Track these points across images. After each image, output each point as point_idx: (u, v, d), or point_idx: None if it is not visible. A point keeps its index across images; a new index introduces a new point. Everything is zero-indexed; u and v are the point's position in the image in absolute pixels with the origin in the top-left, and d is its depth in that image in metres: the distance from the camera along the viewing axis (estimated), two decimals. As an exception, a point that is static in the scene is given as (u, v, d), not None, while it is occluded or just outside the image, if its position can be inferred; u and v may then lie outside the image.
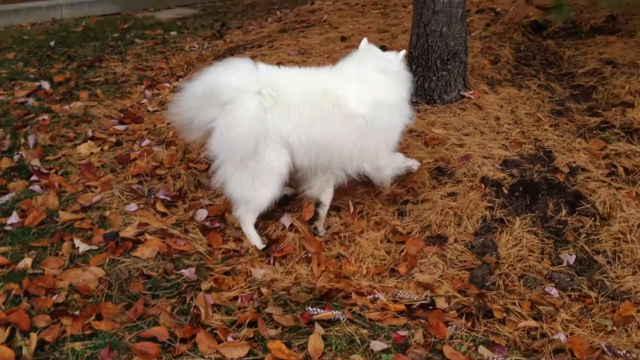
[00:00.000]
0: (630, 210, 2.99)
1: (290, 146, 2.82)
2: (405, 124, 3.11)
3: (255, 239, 2.92)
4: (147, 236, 2.90)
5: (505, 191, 3.23)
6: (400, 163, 3.22)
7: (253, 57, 5.35)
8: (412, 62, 4.09)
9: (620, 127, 3.71)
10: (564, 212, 3.07)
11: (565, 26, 5.38)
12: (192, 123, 2.83)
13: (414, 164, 3.33)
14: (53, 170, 3.60)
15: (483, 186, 3.24)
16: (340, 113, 2.82)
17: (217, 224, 3.04)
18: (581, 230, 2.94)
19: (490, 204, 3.14)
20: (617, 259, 2.78)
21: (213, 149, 2.82)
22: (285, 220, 3.06)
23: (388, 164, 3.11)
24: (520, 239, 2.89)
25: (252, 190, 2.84)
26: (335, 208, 3.19)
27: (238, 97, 2.73)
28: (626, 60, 4.55)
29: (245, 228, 2.95)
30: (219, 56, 5.75)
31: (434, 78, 4.04)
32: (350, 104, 2.82)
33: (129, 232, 2.91)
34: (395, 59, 3.10)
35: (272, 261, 2.81)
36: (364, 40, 3.21)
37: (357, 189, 3.33)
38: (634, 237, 2.85)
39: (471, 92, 4.16)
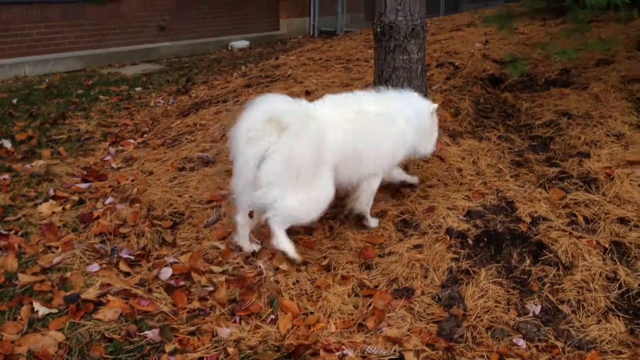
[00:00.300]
0: (591, 259, 3.05)
1: (335, 166, 3.11)
2: (411, 146, 3.49)
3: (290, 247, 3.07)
4: (110, 297, 2.82)
5: (470, 242, 3.27)
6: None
7: (218, 112, 5.43)
8: (375, 116, 4.16)
9: (578, 176, 3.81)
10: (527, 261, 3.11)
11: (522, 79, 5.58)
12: (247, 154, 2.91)
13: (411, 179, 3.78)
14: (13, 231, 3.51)
15: (448, 237, 3.28)
16: (374, 122, 3.28)
17: (182, 282, 2.98)
18: (545, 280, 2.98)
19: (455, 255, 3.16)
20: (581, 308, 2.81)
21: (268, 173, 2.92)
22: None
23: (379, 175, 3.42)
24: (487, 290, 2.91)
25: (305, 210, 3.07)
26: (302, 262, 3.17)
27: (303, 122, 2.96)
28: (581, 112, 4.72)
29: (281, 237, 3.04)
30: (185, 111, 5.78)
31: (397, 131, 4.11)
32: (372, 111, 3.29)
33: (91, 293, 2.83)
34: (427, 105, 3.55)
35: (238, 319, 2.76)
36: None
37: (323, 244, 3.33)
38: (597, 286, 2.89)
39: (433, 145, 4.24)
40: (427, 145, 3.59)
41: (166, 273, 3.03)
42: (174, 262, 3.14)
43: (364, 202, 3.42)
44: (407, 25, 3.90)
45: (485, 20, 6.24)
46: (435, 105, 3.54)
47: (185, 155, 4.51)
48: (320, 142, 2.99)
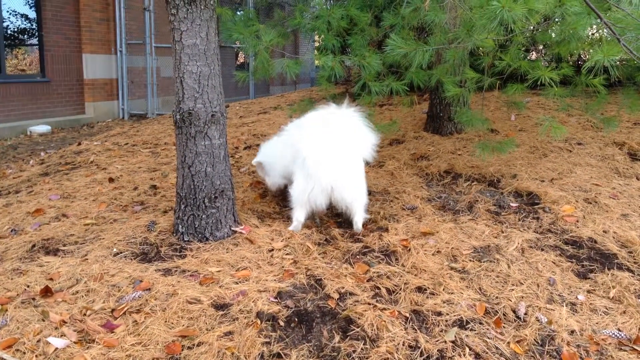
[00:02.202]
0: (395, 330, 3.17)
1: None
2: None
3: None
4: None
5: (282, 323, 3.24)
6: None
7: (8, 204, 4.95)
8: (181, 202, 4.08)
9: (379, 250, 4.02)
10: (337, 338, 3.15)
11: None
12: None
13: None
14: None
15: (259, 321, 3.22)
16: None
17: (-46, 406, 2.56)
18: (354, 355, 3.02)
19: (267, 339, 3.11)
20: (388, 380, 2.89)
21: None
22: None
23: None
24: (298, 373, 2.88)
25: None
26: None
27: None
28: (379, 188, 5.05)
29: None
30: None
31: (203, 216, 4.05)
32: None
33: None
34: None
35: None
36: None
37: (126, 341, 3.09)
38: (401, 356, 3.00)
39: (242, 227, 4.24)
40: None
41: None
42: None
43: None
44: (206, 112, 3.92)
45: (289, 105, 6.54)
46: None
47: (-36, 255, 4.00)
48: None
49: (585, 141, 6.53)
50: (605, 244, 4.18)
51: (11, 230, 4.39)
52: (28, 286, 3.48)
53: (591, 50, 4.37)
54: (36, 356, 2.87)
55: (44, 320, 3.13)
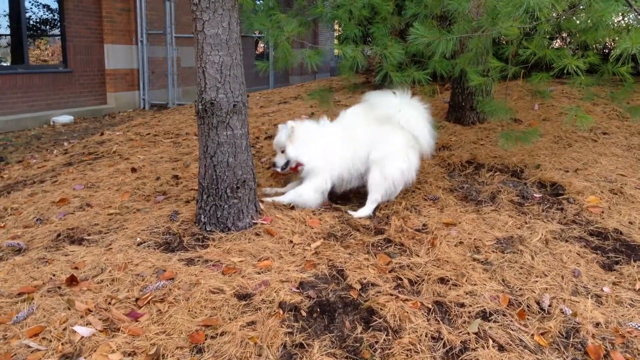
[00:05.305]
0: (417, 321, 3.16)
1: None
2: None
3: None
4: None
5: (304, 314, 3.25)
6: None
7: (33, 194, 5.01)
8: (203, 192, 4.09)
9: (400, 242, 4.00)
10: (359, 329, 3.14)
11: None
12: None
13: None
14: None
15: (281, 312, 3.23)
16: None
17: (-17, 393, 2.61)
18: (376, 346, 3.02)
19: (289, 329, 3.11)
20: (411, 371, 2.88)
21: None
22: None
23: None
24: (321, 363, 2.88)
25: None
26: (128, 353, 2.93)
27: None
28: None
29: None
30: (-6, 195, 5.27)
31: (225, 206, 4.06)
32: None
33: None
34: None
35: None
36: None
37: (150, 330, 3.11)
38: (423, 347, 2.99)
39: (264, 218, 4.25)
40: None
41: (-37, 384, 2.62)
42: None
43: None
44: (228, 102, 3.92)
45: (310, 94, 6.51)
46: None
47: (-8, 244, 4.06)
48: None
49: (611, 131, 6.43)
50: (631, 235, 4.11)
51: (37, 220, 4.44)
52: (54, 275, 3.53)
53: (618, 38, 4.28)
54: (62, 344, 2.91)
55: (69, 309, 3.17)
